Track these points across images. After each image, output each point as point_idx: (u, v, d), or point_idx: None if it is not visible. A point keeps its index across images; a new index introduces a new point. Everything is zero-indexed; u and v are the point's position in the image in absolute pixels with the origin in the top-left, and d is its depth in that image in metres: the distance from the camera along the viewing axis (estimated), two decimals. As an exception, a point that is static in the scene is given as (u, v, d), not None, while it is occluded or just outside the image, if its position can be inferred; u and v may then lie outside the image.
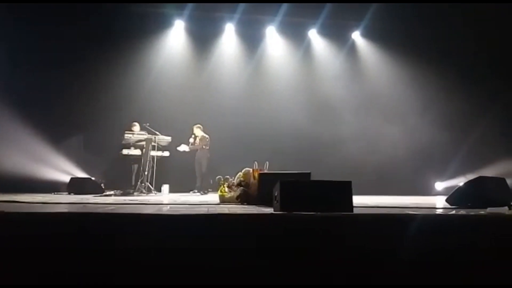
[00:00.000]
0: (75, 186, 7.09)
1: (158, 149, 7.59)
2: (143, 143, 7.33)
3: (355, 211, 2.93)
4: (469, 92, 9.05)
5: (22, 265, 2.19)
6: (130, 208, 3.56)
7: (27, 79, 8.05)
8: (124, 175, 7.77)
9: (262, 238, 2.44)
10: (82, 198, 5.28)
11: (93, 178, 7.47)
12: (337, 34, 10.23)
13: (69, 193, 6.92)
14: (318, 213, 2.69)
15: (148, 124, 7.54)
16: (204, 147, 8.18)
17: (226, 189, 4.91)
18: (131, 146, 7.54)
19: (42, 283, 2.17)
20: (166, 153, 7.73)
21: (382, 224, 2.68)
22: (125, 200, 5.03)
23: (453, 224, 2.81)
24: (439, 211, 3.65)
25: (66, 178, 7.48)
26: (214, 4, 9.21)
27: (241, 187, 4.69)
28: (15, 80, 7.95)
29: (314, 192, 2.92)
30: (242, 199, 4.54)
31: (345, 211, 2.85)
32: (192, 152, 8.19)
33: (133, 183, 7.48)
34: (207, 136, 8.28)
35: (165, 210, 3.46)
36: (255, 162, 4.95)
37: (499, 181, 3.98)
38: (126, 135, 7.26)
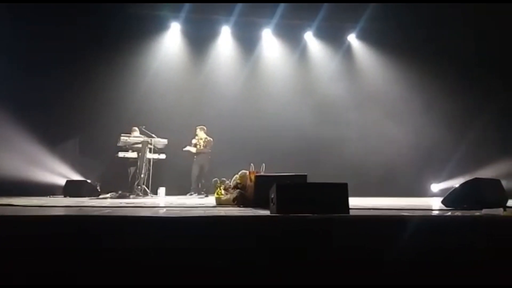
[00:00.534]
0: (71, 189, 7.06)
1: (155, 152, 7.57)
2: (140, 145, 7.32)
3: (352, 213, 2.93)
4: (465, 93, 9.12)
5: (18, 267, 2.18)
6: (127, 211, 3.55)
7: (22, 81, 8.01)
8: (120, 177, 7.74)
9: (258, 240, 2.44)
10: (78, 201, 5.25)
11: (89, 181, 7.43)
12: (333, 36, 10.28)
13: (65, 196, 6.88)
14: (315, 215, 2.69)
15: (144, 126, 7.54)
16: (207, 150, 8.08)
17: (223, 191, 4.90)
18: (127, 148, 7.52)
19: (37, 284, 2.16)
20: (163, 156, 7.70)
21: (378, 225, 2.69)
22: (121, 203, 5.00)
23: (449, 226, 2.82)
24: (435, 213, 3.66)
25: (62, 181, 7.44)
26: (210, 6, 9.23)
27: (238, 190, 4.68)
28: (10, 82, 7.90)
29: (310, 194, 2.93)
30: (239, 201, 4.53)
31: (342, 213, 2.85)
32: (190, 154, 8.08)
33: (129, 185, 7.45)
34: (211, 138, 8.19)
35: (162, 212, 3.45)
36: (252, 164, 4.94)
37: (494, 183, 4.01)
38: (122, 137, 7.24)
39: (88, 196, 6.67)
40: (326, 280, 2.39)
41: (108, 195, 6.96)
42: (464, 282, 2.43)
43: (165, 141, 7.59)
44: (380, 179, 9.03)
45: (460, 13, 8.63)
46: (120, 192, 7.22)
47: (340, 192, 2.96)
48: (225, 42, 10.11)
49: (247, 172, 4.80)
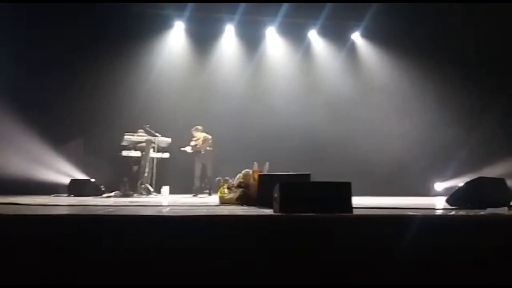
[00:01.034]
0: (75, 188, 7.09)
1: (158, 151, 7.59)
2: (143, 144, 7.33)
3: (355, 212, 2.92)
4: (471, 91, 9.06)
5: (21, 266, 2.19)
6: (130, 209, 3.56)
7: (26, 80, 8.05)
8: (124, 176, 7.76)
9: (262, 239, 2.44)
10: (81, 200, 5.28)
11: (92, 180, 7.46)
12: (337, 34, 10.25)
13: (69, 195, 6.92)
14: (318, 214, 2.69)
15: (148, 125, 7.56)
16: (208, 148, 8.02)
17: (226, 190, 4.90)
18: (131, 147, 7.54)
19: (42, 283, 2.17)
20: (166, 155, 7.71)
21: (382, 225, 2.68)
22: (124, 202, 5.02)
23: (453, 225, 2.81)
24: (439, 212, 3.64)
25: (66, 180, 7.48)
26: (214, 5, 9.23)
27: (241, 189, 4.68)
28: (14, 82, 7.94)
29: (313, 193, 2.92)
30: (242, 200, 4.53)
31: (345, 212, 2.84)
32: (193, 153, 8.06)
33: (133, 184, 7.46)
34: (209, 136, 8.15)
35: (165, 211, 3.46)
36: (255, 163, 4.94)
37: (499, 182, 3.98)
38: (126, 136, 7.26)
39: (92, 195, 6.70)
40: (329, 280, 2.39)
41: (112, 194, 6.98)
42: (468, 282, 2.42)
43: (168, 140, 7.60)
44: (383, 178, 8.99)
45: (468, 9, 8.55)
46: (123, 191, 7.27)
47: (343, 191, 2.95)
48: (229, 40, 10.11)
49: (251, 171, 4.79)
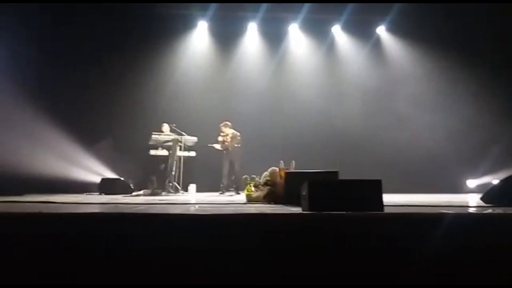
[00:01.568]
0: (106, 186, 7.29)
1: (185, 149, 7.70)
2: (170, 143, 7.46)
3: (386, 210, 2.87)
4: (506, 86, 8.70)
5: (59, 264, 2.28)
6: (160, 208, 3.63)
7: (58, 82, 8.34)
8: (151, 175, 7.92)
9: (291, 237, 2.44)
10: (112, 198, 5.43)
11: (122, 179, 7.65)
12: (361, 29, 10.07)
13: (100, 193, 7.12)
14: (348, 212, 2.66)
15: (174, 124, 7.69)
16: (236, 145, 8.00)
17: (253, 188, 4.92)
18: (158, 146, 7.69)
19: (76, 283, 2.25)
20: (193, 153, 7.82)
21: (415, 223, 2.62)
22: (154, 200, 5.13)
23: (489, 223, 2.72)
24: (474, 210, 3.52)
25: (97, 179, 7.72)
26: (237, 4, 9.25)
27: (268, 187, 4.69)
28: (47, 85, 8.23)
29: (343, 192, 2.89)
30: (269, 198, 4.54)
31: (376, 210, 2.79)
32: (220, 151, 8.06)
33: (160, 183, 7.61)
34: (238, 133, 8.13)
35: (193, 210, 3.50)
36: (281, 161, 4.93)
37: (538, 178, 3.81)
38: (153, 136, 7.41)
39: (122, 194, 6.87)
40: (360, 279, 2.36)
41: (141, 192, 7.15)
42: (506, 282, 2.34)
43: (194, 138, 7.69)
44: (412, 175, 8.77)
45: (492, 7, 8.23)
46: (152, 189, 7.42)
47: (373, 189, 2.90)
48: (251, 38, 10.12)
49: (277, 169, 4.79)
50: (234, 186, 7.84)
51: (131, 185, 7.51)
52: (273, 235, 2.44)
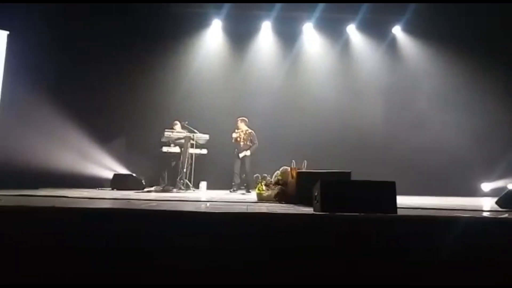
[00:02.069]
0: (118, 182, 7.39)
1: (196, 147, 7.75)
2: (182, 140, 7.51)
3: (399, 212, 2.83)
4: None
5: (77, 257, 2.31)
6: (172, 204, 3.65)
7: (74, 79, 8.45)
8: (163, 171, 7.98)
9: (303, 237, 2.43)
10: (124, 194, 5.49)
11: (134, 175, 7.73)
12: (377, 29, 9.92)
13: (112, 189, 7.22)
14: (361, 214, 2.63)
15: (187, 122, 7.72)
16: (249, 143, 7.92)
17: (264, 187, 4.92)
18: (170, 143, 7.74)
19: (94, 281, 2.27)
20: (204, 151, 7.86)
21: (429, 226, 2.58)
22: (165, 196, 5.17)
23: (504, 228, 2.67)
24: (488, 214, 3.46)
25: (110, 175, 7.81)
26: (252, 3, 9.24)
27: (279, 186, 4.68)
28: (64, 84, 8.35)
29: (356, 192, 2.86)
30: (280, 198, 4.53)
31: (389, 212, 2.76)
32: (232, 149, 8.02)
33: (171, 179, 7.67)
34: (252, 130, 8.07)
35: (204, 207, 3.52)
36: (293, 160, 4.91)
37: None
38: (166, 133, 7.47)
39: (134, 189, 6.95)
40: (372, 280, 2.34)
41: (152, 189, 7.22)
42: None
43: (206, 136, 7.73)
44: (426, 177, 8.64)
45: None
46: (163, 185, 7.49)
47: (387, 191, 2.86)
48: (266, 37, 10.10)
49: (289, 168, 4.78)
50: (245, 184, 7.83)
51: (143, 181, 7.59)
52: (284, 235, 2.44)
